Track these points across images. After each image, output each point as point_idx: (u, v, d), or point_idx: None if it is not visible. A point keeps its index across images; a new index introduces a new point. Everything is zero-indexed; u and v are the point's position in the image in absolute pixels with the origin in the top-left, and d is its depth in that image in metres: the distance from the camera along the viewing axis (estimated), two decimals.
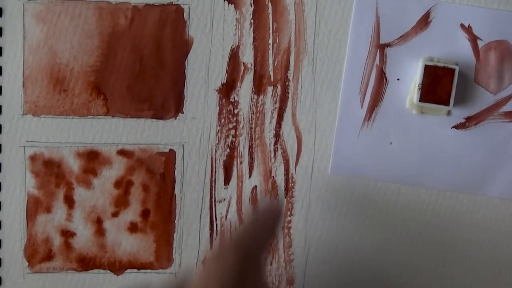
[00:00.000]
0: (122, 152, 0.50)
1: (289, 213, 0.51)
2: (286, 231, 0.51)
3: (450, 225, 0.50)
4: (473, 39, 0.49)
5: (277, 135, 0.50)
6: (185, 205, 0.50)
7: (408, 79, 0.49)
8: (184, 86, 0.50)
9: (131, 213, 0.50)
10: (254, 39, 0.50)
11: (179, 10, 0.50)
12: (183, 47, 0.50)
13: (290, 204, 0.51)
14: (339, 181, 0.50)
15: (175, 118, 0.50)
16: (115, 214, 0.50)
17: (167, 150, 0.50)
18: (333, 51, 0.50)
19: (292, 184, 0.50)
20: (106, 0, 0.49)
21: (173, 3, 0.50)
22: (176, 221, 0.51)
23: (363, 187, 0.50)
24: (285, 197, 0.50)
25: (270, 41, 0.50)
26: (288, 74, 0.50)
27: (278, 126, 0.50)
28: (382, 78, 0.49)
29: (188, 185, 0.50)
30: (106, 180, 0.50)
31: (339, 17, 0.49)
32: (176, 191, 0.50)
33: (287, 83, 0.50)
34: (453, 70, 0.47)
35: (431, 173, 0.50)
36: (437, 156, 0.50)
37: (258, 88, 0.50)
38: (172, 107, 0.50)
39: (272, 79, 0.50)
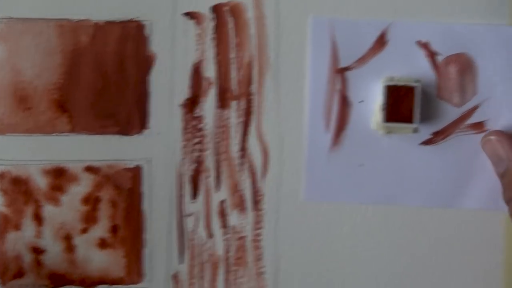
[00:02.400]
0: (89, 169, 0.50)
1: (258, 226, 0.51)
2: (255, 244, 0.51)
3: (421, 239, 0.50)
4: (432, 55, 0.48)
5: (243, 148, 0.50)
6: (154, 220, 0.51)
7: (371, 100, 0.49)
8: (149, 102, 0.50)
9: (100, 229, 0.51)
10: (216, 54, 0.50)
11: (140, 26, 0.49)
12: (146, 63, 0.50)
13: (258, 217, 0.51)
14: None
15: (141, 134, 0.50)
16: (84, 231, 0.51)
17: (134, 166, 0.50)
18: (295, 64, 0.49)
19: (260, 197, 0.51)
20: (67, 18, 0.49)
21: (134, 19, 0.49)
22: (145, 236, 0.51)
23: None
24: (254, 210, 0.51)
25: (233, 55, 0.50)
26: (252, 88, 0.50)
27: (243, 139, 0.50)
28: (345, 102, 0.49)
29: (155, 200, 0.51)
30: (74, 196, 0.50)
31: (300, 29, 0.49)
32: (144, 206, 0.51)
33: (250, 97, 0.50)
34: (413, 88, 0.47)
35: (404, 191, 0.50)
36: (408, 174, 0.49)
37: (222, 102, 0.50)
38: (137, 123, 0.50)
39: (235, 93, 0.50)
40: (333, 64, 0.49)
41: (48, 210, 0.51)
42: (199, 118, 0.50)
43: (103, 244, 0.51)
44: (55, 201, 0.51)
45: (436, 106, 0.49)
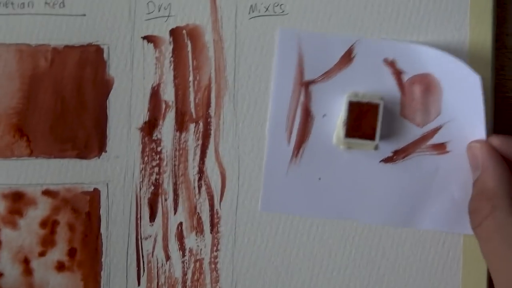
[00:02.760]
0: (47, 192, 0.50)
1: (215, 248, 0.51)
2: (213, 266, 0.51)
3: (377, 256, 0.50)
4: (397, 73, 0.49)
5: (201, 171, 0.50)
6: (112, 243, 0.51)
7: (334, 115, 0.49)
8: (107, 126, 0.50)
9: (58, 252, 0.51)
10: (175, 77, 0.50)
11: (98, 50, 0.50)
12: (104, 87, 0.50)
13: (216, 240, 0.51)
14: (265, 215, 0.50)
15: (99, 157, 0.50)
16: (42, 254, 0.51)
17: (92, 189, 0.51)
18: (253, 87, 0.50)
19: (218, 220, 0.51)
20: (26, 43, 0.50)
21: (93, 43, 0.50)
22: (103, 259, 0.51)
23: (289, 221, 0.50)
24: (211, 233, 0.51)
25: (191, 78, 0.50)
26: (210, 111, 0.50)
27: (201, 162, 0.50)
28: (307, 115, 0.49)
29: (113, 223, 0.51)
30: (32, 220, 0.51)
31: (258, 52, 0.50)
32: (102, 230, 0.51)
33: (209, 120, 0.50)
34: (377, 105, 0.47)
35: (361, 208, 0.50)
36: (366, 191, 0.50)
37: (180, 125, 0.50)
38: (95, 147, 0.50)
39: (194, 116, 0.50)
40: (299, 76, 0.49)
41: (6, 233, 0.51)
42: (157, 141, 0.51)
43: (61, 267, 0.51)
44: (13, 224, 0.51)
45: (398, 124, 0.50)
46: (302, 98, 0.49)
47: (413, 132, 0.50)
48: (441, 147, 0.50)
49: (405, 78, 0.49)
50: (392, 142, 0.50)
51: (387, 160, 0.50)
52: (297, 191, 0.50)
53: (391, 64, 0.49)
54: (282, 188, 0.50)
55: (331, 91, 0.49)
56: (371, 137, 0.48)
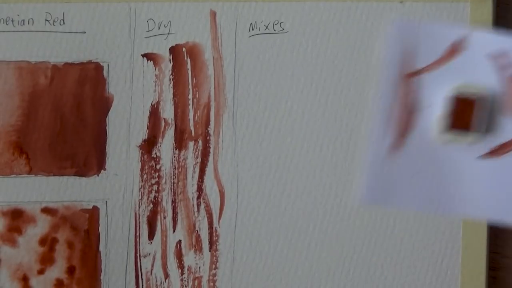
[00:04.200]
0: (46, 210, 0.50)
1: (214, 266, 0.51)
2: (211, 284, 0.51)
3: (375, 274, 0.50)
4: (504, 68, 0.48)
5: (200, 189, 0.50)
6: (110, 261, 0.51)
7: (436, 108, 0.48)
8: (106, 143, 0.50)
9: (57, 270, 0.51)
10: (174, 95, 0.50)
11: (98, 68, 0.50)
12: (104, 104, 0.50)
13: (214, 258, 0.51)
14: (263, 233, 0.50)
15: (98, 175, 0.50)
16: (41, 272, 0.51)
17: (91, 207, 0.50)
18: (253, 105, 0.50)
19: (216, 238, 0.51)
20: (26, 60, 0.50)
21: (92, 61, 0.50)
22: (102, 277, 0.51)
23: (288, 239, 0.50)
24: (210, 251, 0.51)
25: (190, 96, 0.50)
26: (209, 129, 0.50)
27: (200, 180, 0.50)
28: (409, 107, 0.49)
29: (112, 241, 0.51)
30: (31, 238, 0.50)
31: (258, 70, 0.50)
32: (101, 247, 0.51)
33: (208, 138, 0.50)
34: (480, 100, 0.47)
35: (464, 202, 0.48)
36: (468, 185, 0.48)
37: (180, 143, 0.50)
38: (94, 164, 0.50)
39: (193, 134, 0.50)
40: (404, 68, 0.48)
41: (5, 251, 0.51)
42: (157, 159, 0.51)
43: (60, 285, 0.51)
44: (12, 242, 0.51)
45: (503, 119, 0.49)
46: (405, 90, 0.49)
47: None
48: None
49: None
50: (495, 136, 0.49)
51: (490, 154, 0.49)
52: (397, 184, 0.49)
53: (499, 58, 0.48)
54: (382, 181, 0.49)
55: (434, 83, 0.48)
56: (473, 130, 0.47)
